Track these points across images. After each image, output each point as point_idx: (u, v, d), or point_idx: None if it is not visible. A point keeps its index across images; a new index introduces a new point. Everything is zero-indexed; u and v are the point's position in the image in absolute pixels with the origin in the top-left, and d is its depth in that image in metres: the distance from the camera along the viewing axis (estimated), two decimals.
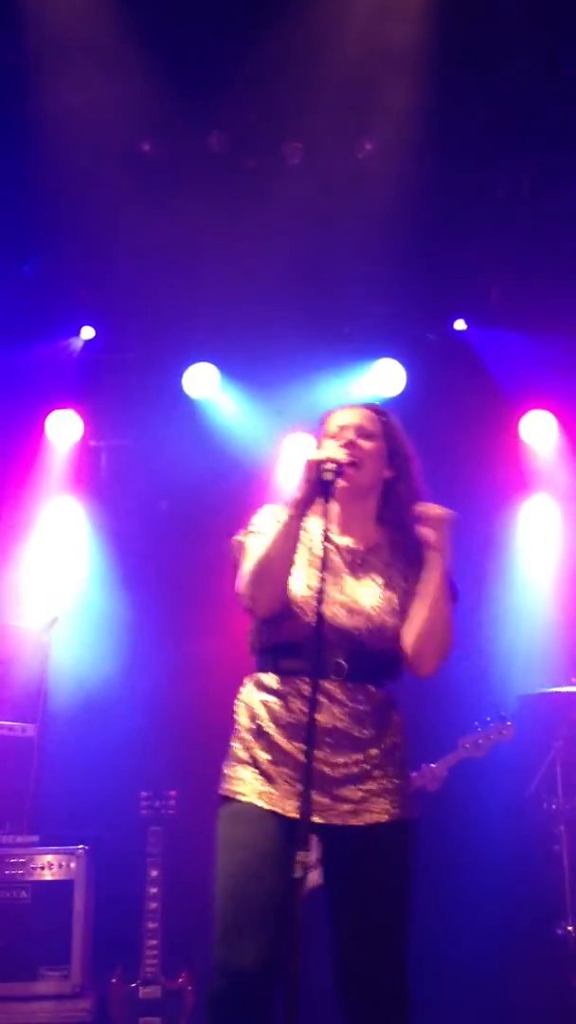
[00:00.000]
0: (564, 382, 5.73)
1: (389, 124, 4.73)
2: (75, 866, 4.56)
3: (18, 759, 4.94)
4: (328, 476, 2.55)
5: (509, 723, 4.85)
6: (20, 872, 4.52)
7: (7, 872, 4.52)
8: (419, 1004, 2.59)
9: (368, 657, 2.65)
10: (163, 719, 5.29)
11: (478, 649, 5.37)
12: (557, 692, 5.02)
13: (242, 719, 2.69)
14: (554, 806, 4.83)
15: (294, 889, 2.24)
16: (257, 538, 2.71)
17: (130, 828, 4.71)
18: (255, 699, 2.69)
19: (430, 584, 2.66)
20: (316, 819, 2.50)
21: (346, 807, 2.57)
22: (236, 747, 2.67)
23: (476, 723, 4.89)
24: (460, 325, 5.78)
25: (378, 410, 2.87)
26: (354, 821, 2.57)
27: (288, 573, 2.63)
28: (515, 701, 5.16)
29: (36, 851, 4.59)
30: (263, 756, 2.61)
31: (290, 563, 2.62)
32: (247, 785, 2.60)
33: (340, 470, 2.59)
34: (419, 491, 2.80)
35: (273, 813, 2.55)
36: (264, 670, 2.71)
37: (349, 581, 2.70)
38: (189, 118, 4.82)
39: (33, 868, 4.55)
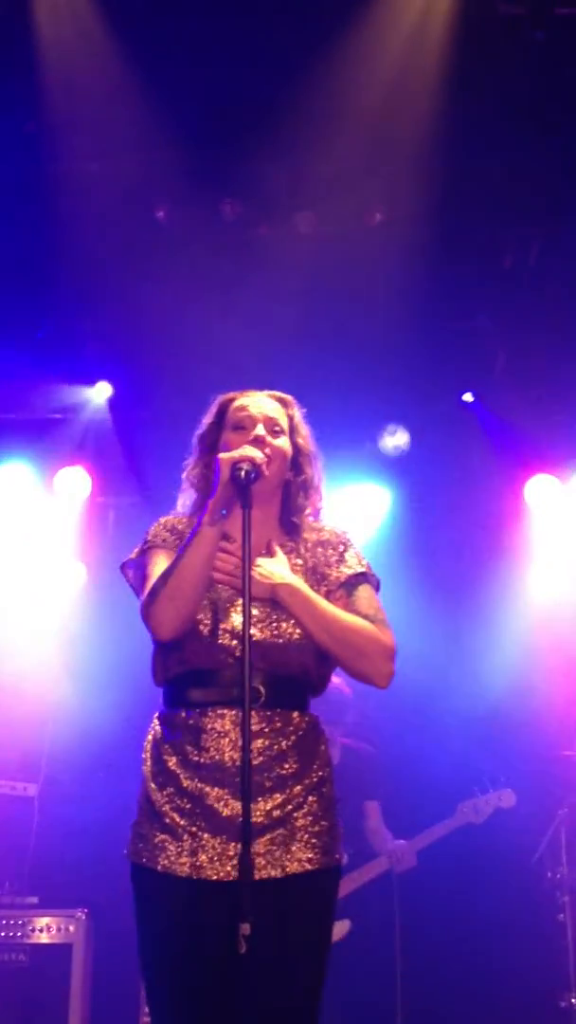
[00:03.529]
0: (570, 447, 5.78)
1: (399, 195, 4.83)
2: (74, 929, 4.51)
3: (19, 818, 4.91)
4: (243, 475, 2.27)
5: (509, 789, 4.83)
6: (19, 934, 4.48)
7: (5, 934, 4.48)
8: None
9: (287, 678, 2.34)
10: None
11: (485, 712, 5.37)
12: (564, 758, 5.02)
13: (147, 764, 2.36)
14: (559, 875, 4.79)
15: (235, 966, 2.02)
16: (160, 553, 2.43)
17: (130, 891, 4.66)
18: (162, 740, 2.35)
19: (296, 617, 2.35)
20: (220, 875, 2.20)
21: (265, 858, 2.21)
22: (142, 800, 2.34)
23: (476, 788, 4.87)
24: (468, 398, 5.84)
25: (285, 401, 2.58)
26: (273, 873, 2.22)
27: (205, 590, 2.33)
28: (520, 766, 5.15)
29: (35, 913, 4.55)
30: (172, 807, 2.27)
31: (207, 578, 2.33)
32: (155, 847, 2.26)
33: (257, 471, 2.32)
34: (318, 494, 2.56)
35: (189, 880, 2.22)
36: (171, 705, 2.38)
37: (253, 592, 2.29)
38: (203, 186, 4.91)
39: (32, 931, 4.50)
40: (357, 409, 5.49)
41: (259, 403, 2.52)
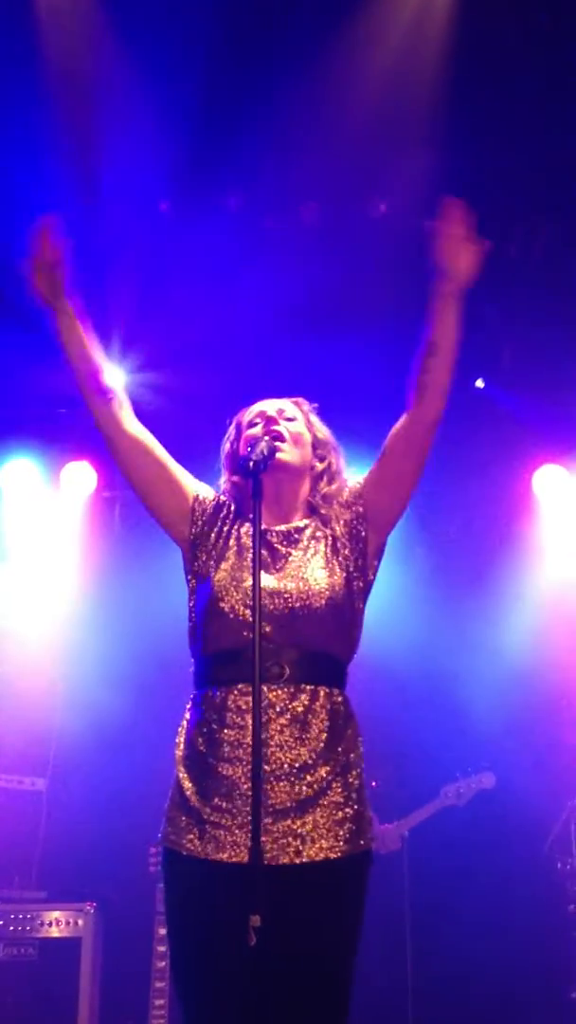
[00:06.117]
0: None
1: (403, 185, 4.81)
2: (83, 923, 4.52)
3: (27, 813, 4.91)
4: (258, 457, 2.34)
5: (489, 772, 4.92)
6: (28, 928, 4.48)
7: (15, 928, 4.48)
8: None
9: (314, 654, 2.34)
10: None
11: (493, 702, 5.36)
12: (574, 748, 5.02)
13: (179, 748, 2.37)
14: (568, 865, 4.79)
15: (256, 951, 1.98)
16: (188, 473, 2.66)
17: (138, 885, 4.67)
18: (191, 721, 2.37)
19: (448, 328, 2.50)
20: (241, 858, 2.18)
21: (286, 842, 2.20)
22: (173, 783, 2.35)
23: (457, 772, 4.97)
24: (479, 384, 5.81)
25: (296, 401, 2.68)
26: (296, 859, 2.21)
27: (77, 354, 2.59)
28: (530, 756, 5.15)
29: (44, 907, 4.56)
30: (196, 788, 2.28)
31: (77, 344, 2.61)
32: (181, 829, 2.27)
33: (272, 453, 2.42)
34: (343, 482, 2.60)
35: (212, 863, 2.21)
36: (200, 685, 2.40)
37: (277, 567, 2.42)
38: (207, 178, 4.90)
39: (41, 924, 4.50)
40: (361, 400, 5.46)
41: (268, 401, 2.64)
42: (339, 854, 2.23)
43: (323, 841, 2.23)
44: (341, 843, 2.24)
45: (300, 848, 2.21)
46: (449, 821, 5.04)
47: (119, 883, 4.82)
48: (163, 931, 4.45)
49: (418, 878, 4.97)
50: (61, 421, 5.86)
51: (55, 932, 4.49)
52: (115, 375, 2.67)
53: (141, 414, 5.60)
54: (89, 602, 5.75)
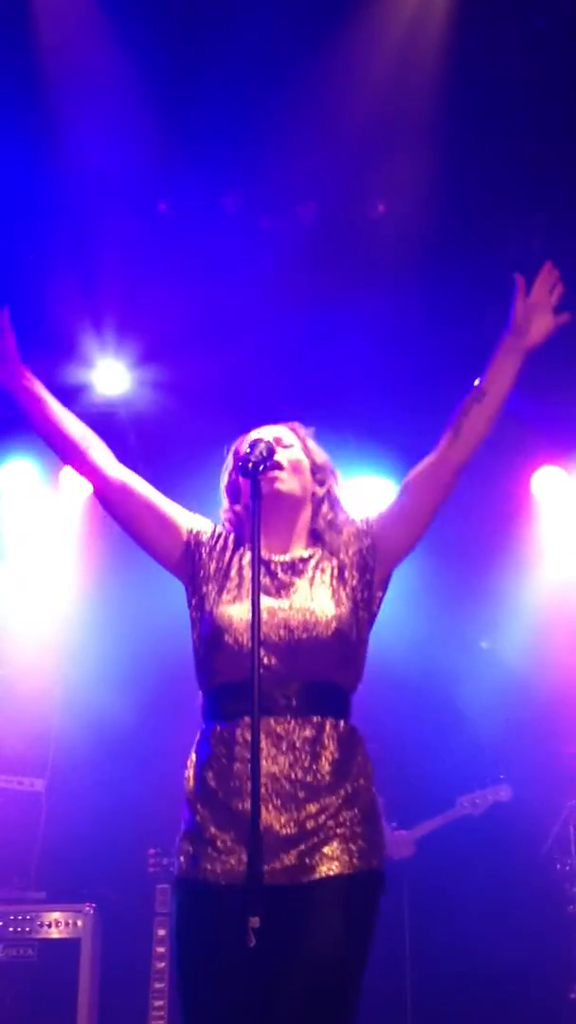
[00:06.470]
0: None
1: (401, 186, 4.81)
2: (82, 924, 4.51)
3: (26, 814, 4.91)
4: (257, 458, 2.31)
5: (506, 785, 4.93)
6: (27, 929, 4.48)
7: (14, 929, 4.47)
8: None
9: (319, 686, 2.33)
10: (173, 775, 5.25)
11: (494, 705, 5.36)
12: (573, 753, 5.03)
13: (188, 781, 2.36)
14: (568, 866, 4.79)
15: (263, 971, 1.99)
16: (181, 509, 2.60)
17: (138, 885, 4.67)
18: (199, 753, 2.36)
19: (502, 379, 2.53)
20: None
21: (294, 863, 2.20)
22: (184, 815, 2.35)
23: (475, 783, 4.96)
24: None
25: (292, 426, 2.64)
26: (304, 878, 2.20)
27: (39, 420, 2.56)
28: (529, 759, 5.16)
29: (43, 908, 4.55)
30: (209, 821, 2.27)
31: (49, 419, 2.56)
32: (191, 859, 2.28)
33: (270, 453, 2.38)
34: (341, 507, 2.60)
35: (222, 887, 2.21)
36: (207, 718, 2.39)
37: (281, 597, 2.39)
38: (204, 178, 4.90)
39: (40, 925, 4.50)
40: (360, 401, 5.47)
41: (263, 429, 2.59)
42: (350, 870, 2.23)
43: (333, 862, 2.22)
44: (353, 859, 2.24)
45: (309, 872, 2.20)
46: (448, 822, 5.04)
47: (118, 884, 4.82)
48: (162, 932, 4.46)
49: (417, 878, 4.97)
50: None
51: (54, 933, 4.49)
52: (83, 426, 2.59)
53: (141, 411, 5.60)
54: (88, 603, 5.74)
